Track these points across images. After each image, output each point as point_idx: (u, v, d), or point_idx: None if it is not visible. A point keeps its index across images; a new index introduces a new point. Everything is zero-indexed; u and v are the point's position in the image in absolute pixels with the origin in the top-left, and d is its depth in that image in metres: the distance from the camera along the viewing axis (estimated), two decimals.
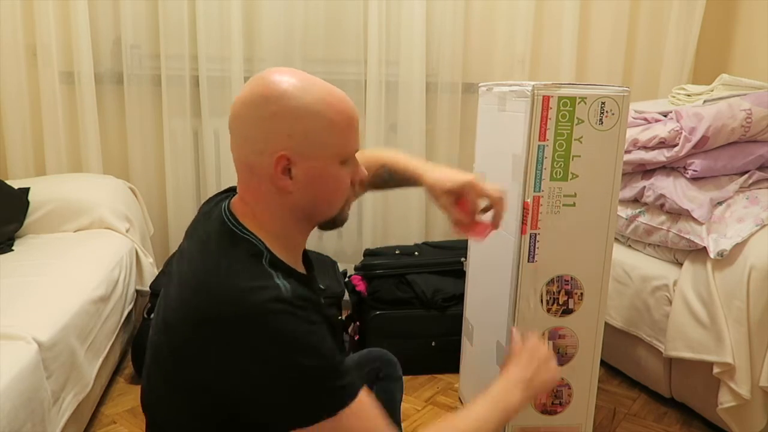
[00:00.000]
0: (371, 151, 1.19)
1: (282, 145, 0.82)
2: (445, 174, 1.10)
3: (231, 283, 0.78)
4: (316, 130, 0.83)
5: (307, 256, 1.00)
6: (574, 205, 1.37)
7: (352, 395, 0.78)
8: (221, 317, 0.76)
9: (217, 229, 0.86)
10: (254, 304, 0.75)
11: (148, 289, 2.04)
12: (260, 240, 0.84)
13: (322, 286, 1.98)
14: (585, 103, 1.32)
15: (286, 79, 0.84)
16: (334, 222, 0.93)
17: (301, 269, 0.93)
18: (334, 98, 0.85)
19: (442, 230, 2.61)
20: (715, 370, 1.59)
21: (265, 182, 0.84)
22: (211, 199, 0.98)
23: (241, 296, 0.76)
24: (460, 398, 1.92)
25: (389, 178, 1.17)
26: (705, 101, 1.89)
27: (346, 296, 2.11)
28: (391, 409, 1.14)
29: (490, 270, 1.59)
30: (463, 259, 2.09)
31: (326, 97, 0.84)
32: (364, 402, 0.80)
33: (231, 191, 0.96)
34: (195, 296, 0.80)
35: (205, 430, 0.82)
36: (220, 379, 0.77)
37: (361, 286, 2.15)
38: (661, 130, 1.83)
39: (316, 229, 0.94)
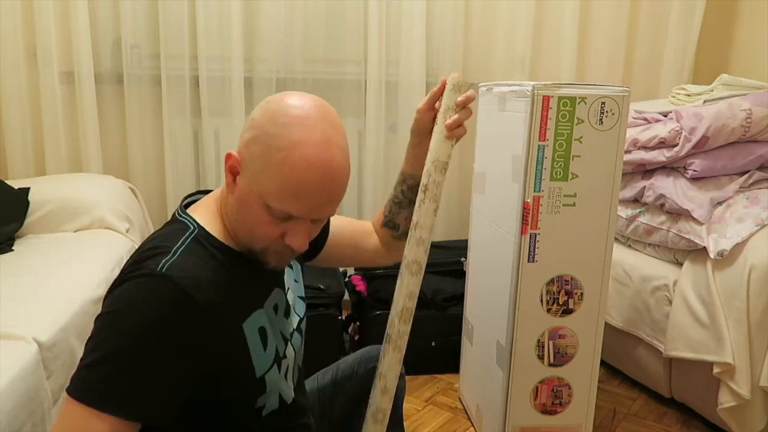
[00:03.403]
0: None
1: (239, 149, 0.84)
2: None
3: (139, 249, 0.84)
4: (262, 164, 0.80)
5: None
6: (574, 205, 1.37)
7: (78, 395, 0.73)
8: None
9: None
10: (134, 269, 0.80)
11: None
12: (194, 222, 0.87)
13: (321, 286, 1.98)
14: (585, 103, 1.32)
15: (294, 108, 0.81)
16: (255, 257, 0.87)
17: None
18: (310, 162, 0.78)
19: (442, 230, 2.61)
20: (715, 370, 1.59)
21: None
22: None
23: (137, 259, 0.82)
24: (460, 398, 1.92)
25: (403, 187, 1.14)
26: (705, 101, 1.89)
27: (346, 296, 2.11)
28: (394, 407, 1.14)
29: (490, 270, 1.59)
30: (463, 259, 2.08)
31: (304, 153, 0.78)
32: (78, 415, 0.72)
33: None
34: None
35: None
36: None
37: (361, 286, 2.15)
38: (661, 130, 1.83)
39: None
